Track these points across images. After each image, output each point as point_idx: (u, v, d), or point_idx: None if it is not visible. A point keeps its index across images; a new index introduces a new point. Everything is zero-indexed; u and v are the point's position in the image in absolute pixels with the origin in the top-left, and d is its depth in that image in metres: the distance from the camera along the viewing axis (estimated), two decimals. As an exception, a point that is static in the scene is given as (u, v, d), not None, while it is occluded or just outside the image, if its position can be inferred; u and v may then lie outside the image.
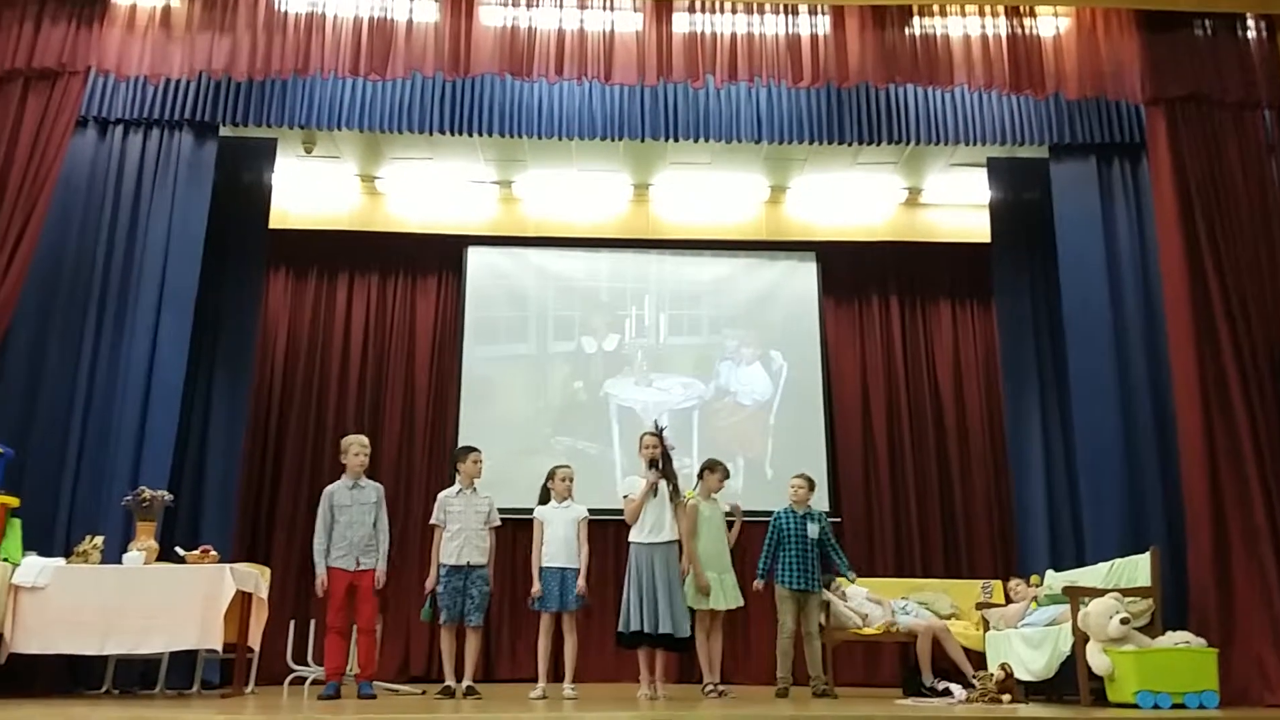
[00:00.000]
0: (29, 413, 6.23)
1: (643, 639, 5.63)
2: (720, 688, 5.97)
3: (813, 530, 6.21)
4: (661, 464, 5.86)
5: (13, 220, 5.96)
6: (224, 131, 7.11)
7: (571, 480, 6.06)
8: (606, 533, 7.76)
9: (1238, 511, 5.72)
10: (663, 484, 5.84)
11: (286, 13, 6.38)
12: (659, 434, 5.93)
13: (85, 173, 6.73)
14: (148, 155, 6.88)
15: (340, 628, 5.65)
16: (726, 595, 6.04)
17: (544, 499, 6.07)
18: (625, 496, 5.89)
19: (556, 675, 5.89)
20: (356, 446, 5.83)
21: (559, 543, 5.88)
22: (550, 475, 6.08)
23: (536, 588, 5.84)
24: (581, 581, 5.87)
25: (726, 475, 6.34)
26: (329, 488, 5.83)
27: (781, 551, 6.19)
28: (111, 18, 6.34)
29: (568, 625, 5.84)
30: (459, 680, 5.76)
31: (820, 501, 8.00)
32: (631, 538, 5.82)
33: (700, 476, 6.31)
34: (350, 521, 5.67)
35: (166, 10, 6.38)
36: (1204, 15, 6.53)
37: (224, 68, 6.32)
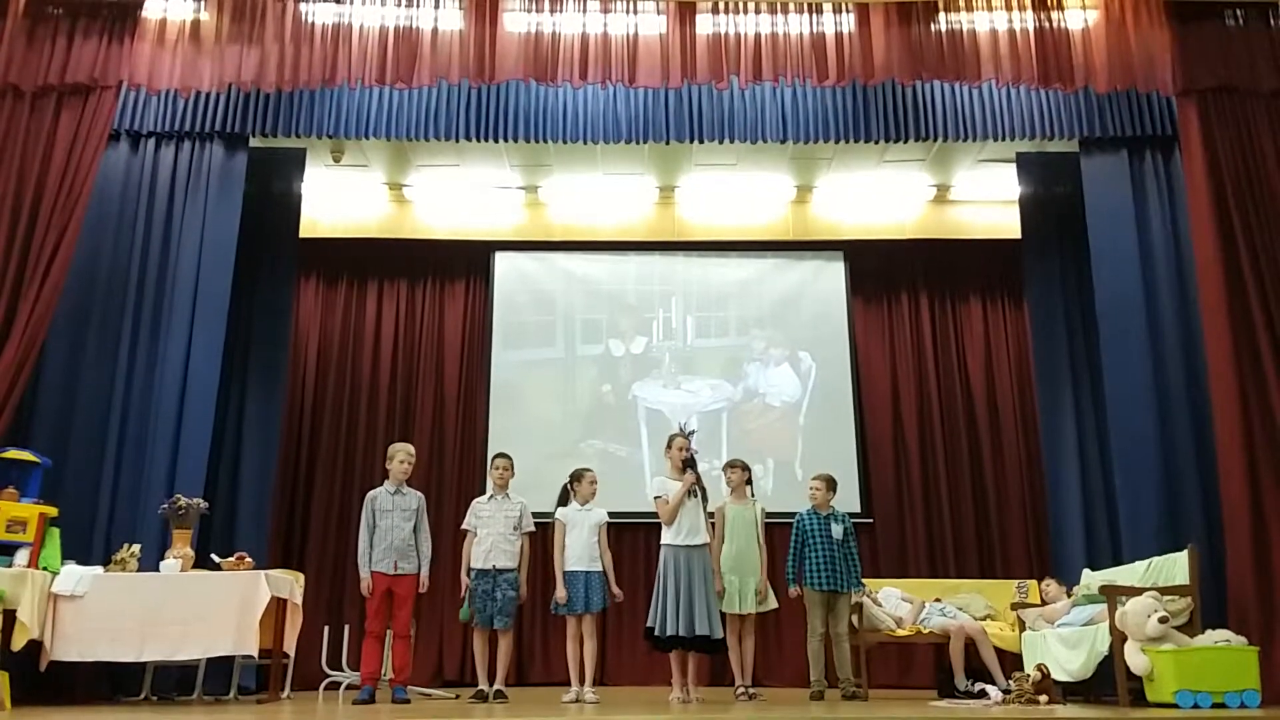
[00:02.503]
0: (66, 423, 6.32)
1: (678, 642, 5.62)
2: (751, 691, 5.96)
3: (837, 531, 6.16)
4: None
5: (48, 233, 6.06)
6: (254, 142, 7.19)
7: (596, 483, 6.09)
8: (636, 535, 7.77)
9: (1276, 507, 5.64)
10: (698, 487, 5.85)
11: (313, 24, 6.45)
12: (687, 437, 5.93)
13: (118, 186, 6.82)
14: (179, 167, 6.97)
15: (377, 632, 5.70)
16: (748, 599, 6.01)
17: (563, 500, 6.09)
18: (657, 497, 5.88)
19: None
20: (403, 454, 5.90)
21: (581, 545, 5.92)
22: (578, 478, 6.10)
23: (562, 592, 5.85)
24: (615, 587, 5.90)
25: (743, 468, 6.30)
26: (371, 492, 5.90)
27: (808, 553, 6.14)
28: (142, 32, 6.43)
29: (588, 629, 5.86)
30: (491, 684, 5.79)
31: (851, 503, 8.01)
32: (666, 540, 5.80)
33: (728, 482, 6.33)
34: (391, 526, 5.73)
35: (196, 24, 6.46)
36: (1235, 5, 6.47)
37: (253, 80, 6.40)
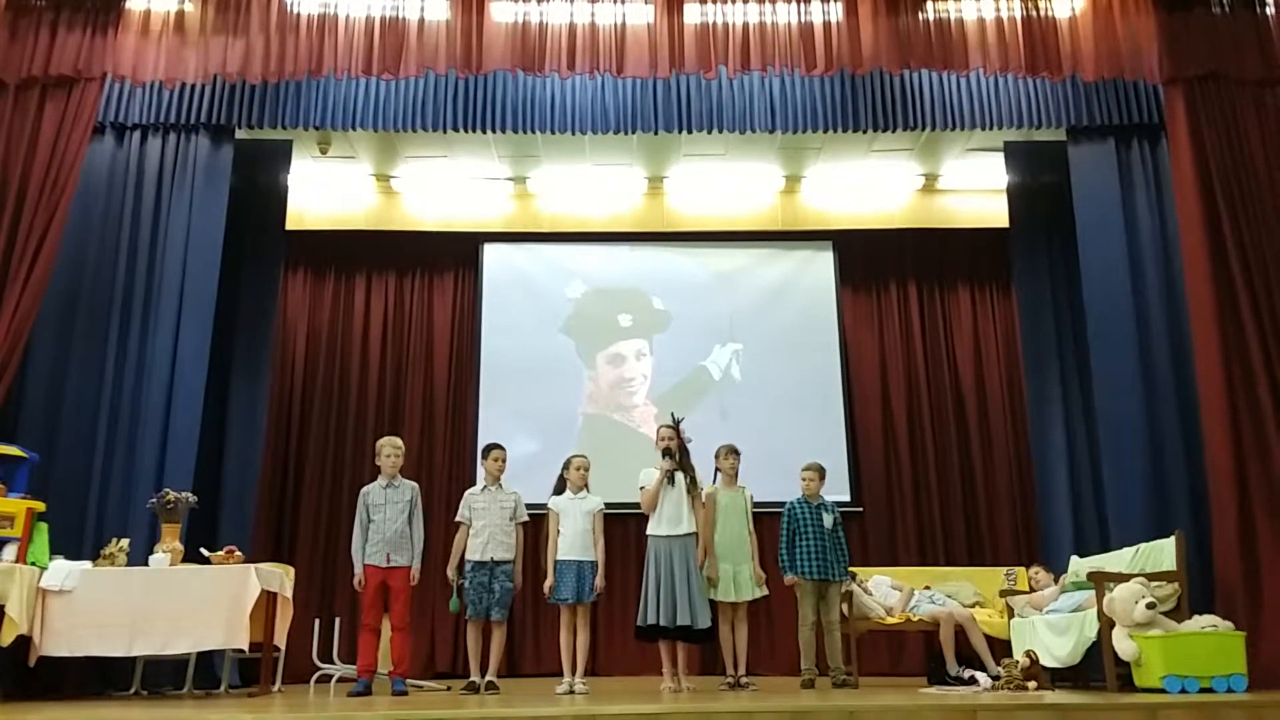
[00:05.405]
0: (54, 418, 6.29)
1: (661, 631, 5.63)
2: (743, 679, 5.97)
3: (828, 520, 6.18)
4: (679, 455, 5.85)
5: (33, 227, 6.02)
6: (240, 134, 7.15)
7: (587, 470, 6.05)
8: (628, 525, 7.77)
9: (1263, 493, 5.67)
10: (680, 475, 5.83)
11: (299, 14, 6.43)
12: (675, 426, 5.92)
13: (104, 178, 6.78)
14: (165, 159, 6.93)
15: (372, 625, 5.70)
16: (741, 587, 6.01)
17: (559, 489, 6.07)
18: (642, 488, 5.88)
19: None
20: (388, 449, 5.92)
21: (575, 535, 5.87)
22: (566, 465, 6.09)
23: (550, 581, 5.85)
24: (600, 579, 5.87)
25: (735, 454, 6.28)
26: (365, 488, 5.92)
27: (799, 542, 6.16)
28: (126, 23, 6.40)
29: (581, 619, 5.84)
30: (483, 675, 5.79)
31: (841, 491, 8.04)
32: (649, 530, 5.82)
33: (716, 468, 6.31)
34: (384, 519, 5.75)
35: (180, 15, 6.43)
36: (1221, -8, 6.48)
37: (238, 70, 6.37)
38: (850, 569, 6.39)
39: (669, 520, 5.76)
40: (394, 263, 8.90)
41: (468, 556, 5.89)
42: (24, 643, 5.23)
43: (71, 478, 6.23)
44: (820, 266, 8.95)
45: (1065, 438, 7.31)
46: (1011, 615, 6.31)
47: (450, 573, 5.93)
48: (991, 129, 7.18)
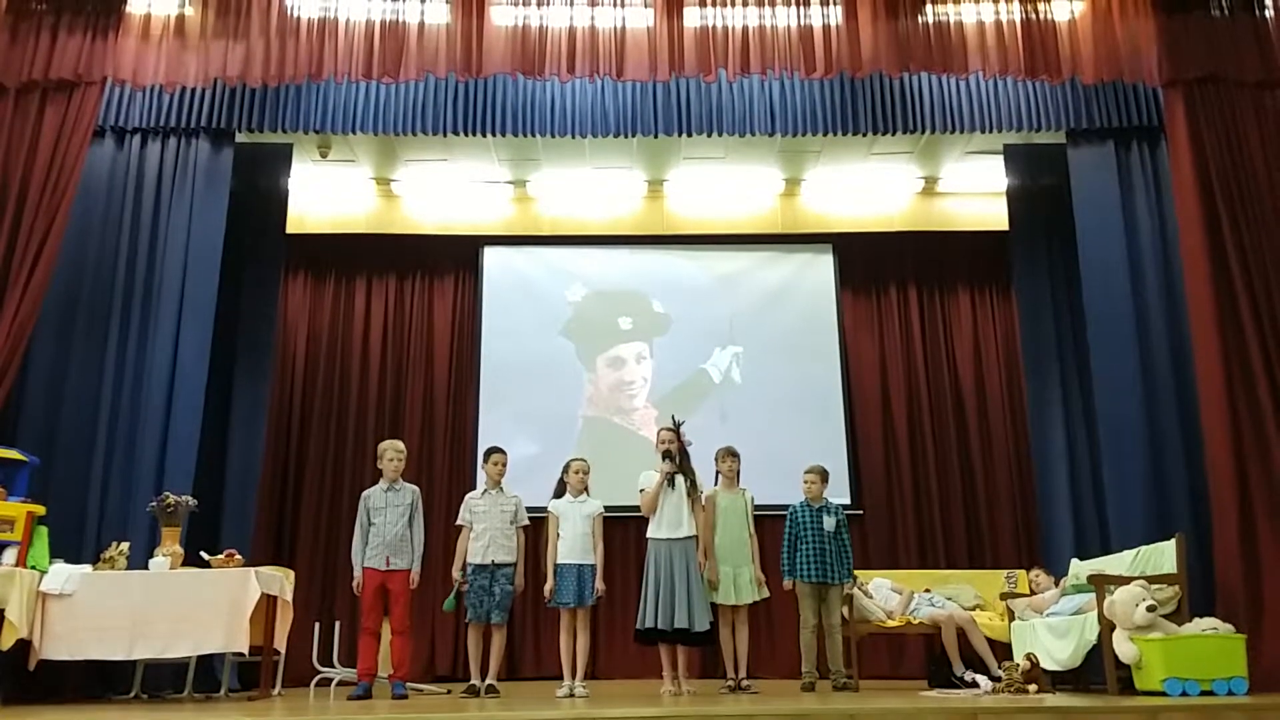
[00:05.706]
0: (54, 421, 6.30)
1: (660, 635, 5.62)
2: (744, 683, 5.96)
3: (829, 523, 6.16)
4: (679, 458, 5.85)
5: (34, 231, 6.03)
6: (240, 138, 7.16)
7: (586, 474, 6.05)
8: (628, 528, 7.77)
9: (1264, 495, 5.67)
10: (680, 478, 5.82)
11: (299, 18, 6.44)
12: (676, 429, 5.91)
13: (104, 182, 6.79)
14: (165, 163, 6.93)
15: (372, 629, 5.69)
16: (742, 590, 6.00)
17: (559, 493, 6.07)
18: (641, 490, 5.88)
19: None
20: (391, 452, 5.91)
21: (574, 538, 5.87)
22: (565, 469, 6.09)
23: (550, 584, 5.85)
24: (600, 582, 5.87)
25: (733, 456, 6.25)
26: (365, 492, 5.93)
27: (800, 545, 6.15)
28: (126, 27, 6.41)
29: (581, 622, 5.83)
30: (483, 679, 5.79)
31: (841, 494, 8.03)
32: (649, 533, 5.81)
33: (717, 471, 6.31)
34: (385, 523, 5.75)
35: (181, 19, 6.44)
36: (1220, -5, 6.49)
37: (239, 74, 6.38)
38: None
39: (669, 523, 5.76)
40: (394, 266, 8.91)
41: (469, 560, 5.89)
42: (24, 646, 5.23)
43: (71, 481, 6.23)
44: (820, 269, 8.95)
45: (1065, 440, 7.30)
46: (1012, 618, 6.31)
47: (455, 574, 5.93)
48: (991, 132, 7.19)
